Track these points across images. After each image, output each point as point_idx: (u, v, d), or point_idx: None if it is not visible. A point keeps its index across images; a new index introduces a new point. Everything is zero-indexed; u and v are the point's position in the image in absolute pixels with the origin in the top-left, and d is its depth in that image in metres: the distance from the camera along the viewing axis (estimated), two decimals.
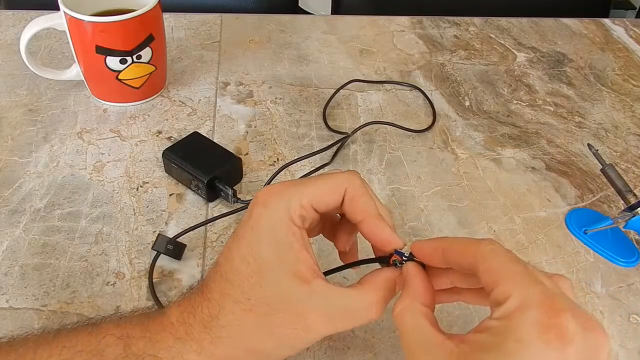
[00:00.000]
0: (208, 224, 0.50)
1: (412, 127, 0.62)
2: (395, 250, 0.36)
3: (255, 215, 0.34)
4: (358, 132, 0.61)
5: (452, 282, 0.36)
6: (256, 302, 0.33)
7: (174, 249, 0.47)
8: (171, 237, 0.48)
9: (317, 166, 0.57)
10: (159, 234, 0.47)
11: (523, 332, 0.28)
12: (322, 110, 0.64)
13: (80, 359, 0.32)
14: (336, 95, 0.67)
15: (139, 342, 0.34)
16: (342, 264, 0.40)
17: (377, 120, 0.63)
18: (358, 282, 0.36)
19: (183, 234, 0.49)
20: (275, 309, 0.33)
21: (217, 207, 0.52)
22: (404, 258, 0.36)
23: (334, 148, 0.58)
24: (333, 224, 0.40)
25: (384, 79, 0.70)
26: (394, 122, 0.62)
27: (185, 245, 0.48)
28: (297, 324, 0.33)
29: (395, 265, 0.36)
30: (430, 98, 0.67)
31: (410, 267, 0.35)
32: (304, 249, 0.34)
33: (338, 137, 0.60)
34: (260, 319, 0.33)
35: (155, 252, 0.47)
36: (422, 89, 0.68)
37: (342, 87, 0.67)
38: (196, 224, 0.49)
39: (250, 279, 0.33)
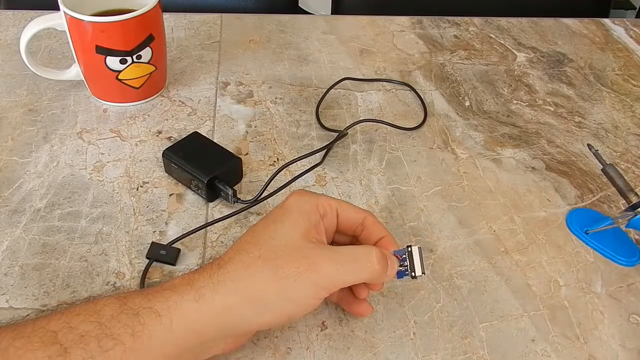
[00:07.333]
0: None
1: (410, 127, 0.62)
2: (394, 251, 0.41)
3: (288, 201, 0.40)
4: (358, 132, 0.61)
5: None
6: (266, 250, 0.37)
7: (167, 254, 0.47)
8: (169, 241, 0.48)
9: (314, 165, 0.57)
10: (152, 242, 0.47)
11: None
12: (315, 109, 0.64)
13: (78, 320, 0.33)
14: (336, 96, 0.67)
15: (136, 298, 0.35)
16: None
17: (369, 118, 0.63)
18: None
19: (181, 238, 0.48)
20: (283, 254, 0.37)
21: (217, 207, 0.52)
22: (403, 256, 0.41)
23: (326, 148, 0.58)
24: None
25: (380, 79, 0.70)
26: (392, 122, 0.62)
27: (179, 250, 0.47)
28: (301, 264, 0.36)
29: None
30: (421, 95, 0.67)
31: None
32: (314, 228, 0.39)
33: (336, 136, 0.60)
34: (266, 262, 0.36)
35: (148, 260, 0.47)
36: (421, 88, 0.68)
37: (332, 86, 0.67)
38: (195, 227, 0.49)
39: (265, 235, 0.38)
